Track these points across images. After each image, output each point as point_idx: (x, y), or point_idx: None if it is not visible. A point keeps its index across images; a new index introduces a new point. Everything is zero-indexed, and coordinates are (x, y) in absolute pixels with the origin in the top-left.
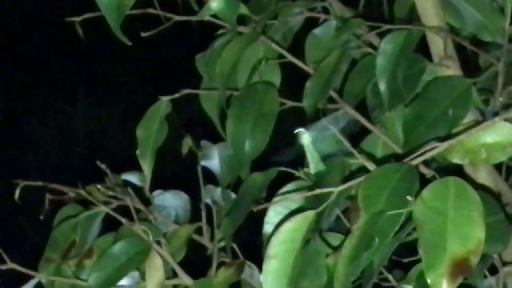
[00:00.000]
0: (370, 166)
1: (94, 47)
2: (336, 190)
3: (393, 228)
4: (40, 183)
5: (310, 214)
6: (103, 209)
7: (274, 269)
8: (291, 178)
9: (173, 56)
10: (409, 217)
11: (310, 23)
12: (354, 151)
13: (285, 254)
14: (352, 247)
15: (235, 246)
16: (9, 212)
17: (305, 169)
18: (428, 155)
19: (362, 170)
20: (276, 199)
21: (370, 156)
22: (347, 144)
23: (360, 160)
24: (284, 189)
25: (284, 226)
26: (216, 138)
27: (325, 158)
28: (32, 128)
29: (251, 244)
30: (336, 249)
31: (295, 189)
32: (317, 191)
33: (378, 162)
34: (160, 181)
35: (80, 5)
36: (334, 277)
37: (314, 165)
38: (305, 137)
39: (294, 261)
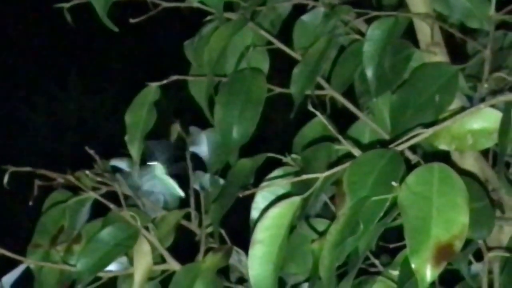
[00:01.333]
0: (356, 152)
1: (85, 33)
2: (321, 176)
3: (378, 213)
4: (29, 169)
5: (296, 199)
6: (92, 195)
7: (260, 254)
8: (279, 164)
9: (164, 43)
10: (395, 203)
11: (298, 10)
12: (340, 137)
13: (271, 240)
14: (337, 232)
15: (223, 231)
16: None
17: (293, 155)
18: (414, 141)
19: (349, 156)
20: (263, 184)
21: (357, 142)
22: (333, 130)
23: (346, 146)
24: (272, 174)
25: (270, 211)
26: (204, 124)
27: (311, 143)
28: (22, 114)
29: (239, 230)
30: (322, 234)
31: (282, 175)
32: (303, 176)
33: (364, 148)
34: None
35: None
36: (319, 262)
37: (171, 192)
38: (159, 168)
39: (280, 246)
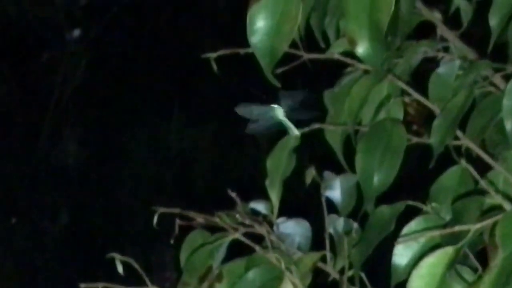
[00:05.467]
0: (507, 205)
1: (188, 66)
2: (474, 227)
3: None
4: (176, 210)
5: (449, 250)
6: (237, 236)
7: None
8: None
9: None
10: None
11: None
12: (491, 190)
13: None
14: (490, 282)
15: (362, 275)
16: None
17: (433, 204)
18: None
19: (495, 208)
20: (412, 236)
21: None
22: (483, 183)
23: (497, 199)
24: (412, 224)
25: (424, 261)
26: (335, 169)
27: (461, 196)
28: (125, 145)
29: (369, 272)
30: (469, 283)
31: (424, 225)
32: (456, 228)
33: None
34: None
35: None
36: None
37: (291, 131)
38: (278, 111)
39: None
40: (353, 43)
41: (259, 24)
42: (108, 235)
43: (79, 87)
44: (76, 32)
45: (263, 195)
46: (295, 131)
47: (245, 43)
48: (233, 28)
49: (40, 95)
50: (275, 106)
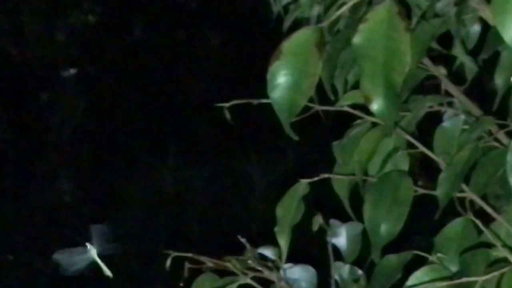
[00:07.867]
0: None
1: (187, 108)
2: (481, 279)
3: None
4: (189, 255)
5: None
6: (247, 280)
7: None
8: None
9: (259, 119)
10: None
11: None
12: (497, 243)
13: None
14: None
15: None
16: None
17: (439, 254)
18: None
19: (500, 260)
20: (420, 287)
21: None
22: (489, 236)
23: (503, 252)
24: (418, 273)
25: None
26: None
27: (468, 249)
28: (121, 184)
29: None
30: None
31: (430, 275)
32: (463, 279)
33: None
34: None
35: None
36: None
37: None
38: (92, 252)
39: None
40: (368, 100)
41: (280, 80)
42: (103, 276)
43: (76, 127)
44: (74, 73)
45: (259, 238)
46: (108, 272)
47: (239, 84)
48: (229, 69)
49: (37, 134)
50: (89, 247)
